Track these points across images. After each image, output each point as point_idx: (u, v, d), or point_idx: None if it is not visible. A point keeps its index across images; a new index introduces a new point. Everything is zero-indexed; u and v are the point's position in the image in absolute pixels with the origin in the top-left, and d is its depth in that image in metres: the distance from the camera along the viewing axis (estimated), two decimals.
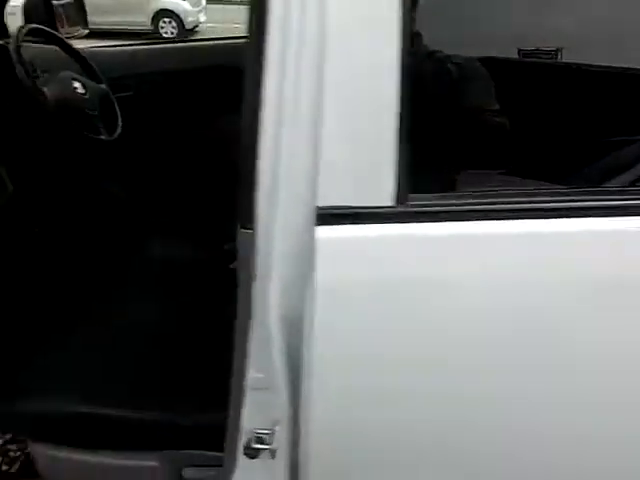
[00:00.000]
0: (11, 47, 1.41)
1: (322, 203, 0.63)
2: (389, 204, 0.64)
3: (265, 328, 0.70)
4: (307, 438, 0.72)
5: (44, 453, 1.11)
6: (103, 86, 1.70)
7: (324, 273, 0.64)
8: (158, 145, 1.94)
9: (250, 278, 0.70)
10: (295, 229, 0.65)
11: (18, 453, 1.44)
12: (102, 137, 1.61)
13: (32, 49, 1.53)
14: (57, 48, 1.66)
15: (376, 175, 0.63)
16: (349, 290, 0.66)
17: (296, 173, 0.63)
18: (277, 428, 0.82)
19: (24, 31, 1.47)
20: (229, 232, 1.67)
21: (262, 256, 0.67)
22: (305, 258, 0.64)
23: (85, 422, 1.09)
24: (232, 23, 9.96)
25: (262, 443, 0.85)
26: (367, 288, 0.66)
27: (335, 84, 0.61)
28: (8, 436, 1.48)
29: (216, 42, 2.23)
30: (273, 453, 0.83)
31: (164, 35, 9.45)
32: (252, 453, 0.91)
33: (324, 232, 0.63)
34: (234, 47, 2.09)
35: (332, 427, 0.72)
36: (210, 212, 1.78)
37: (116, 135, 1.66)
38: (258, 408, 0.86)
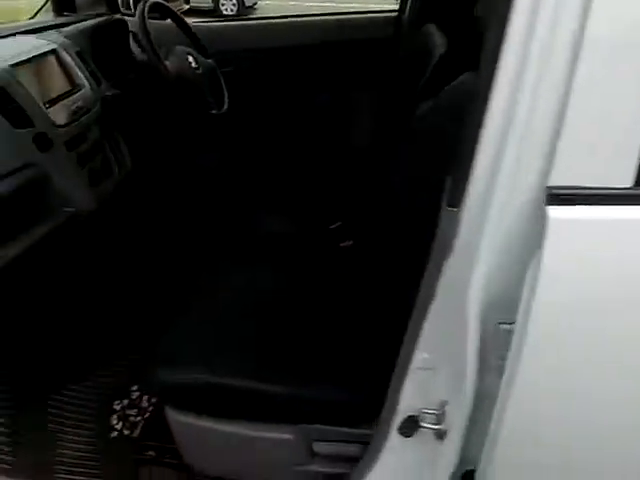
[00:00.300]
0: (137, 22, 1.43)
1: (554, 182, 0.60)
2: (627, 185, 0.60)
3: (458, 308, 0.68)
4: (500, 423, 0.70)
5: (180, 420, 1.14)
6: (211, 61, 1.71)
7: (551, 254, 0.60)
8: (258, 121, 1.94)
9: (443, 258, 0.67)
10: (519, 209, 0.62)
11: (138, 418, 1.49)
12: (213, 112, 1.62)
13: (150, 24, 1.54)
14: (170, 22, 1.67)
15: (617, 155, 0.59)
16: (577, 272, 0.62)
17: (529, 152, 0.60)
18: (447, 409, 0.80)
19: (148, 6, 1.48)
20: (332, 211, 1.66)
21: (467, 235, 0.64)
22: (528, 238, 0.62)
23: (219, 393, 1.11)
24: (288, 0, 9.93)
25: (426, 422, 0.84)
26: (597, 271, 0.62)
27: (588, 58, 0.56)
28: (126, 402, 1.53)
29: (310, 19, 2.17)
30: (441, 434, 0.82)
31: (224, 12, 9.47)
32: (408, 432, 0.90)
33: (555, 212, 0.60)
34: (331, 24, 2.05)
35: (532, 413, 0.69)
36: (311, 190, 1.77)
37: (224, 109, 1.67)
38: (421, 388, 0.84)
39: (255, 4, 10.03)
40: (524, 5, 0.56)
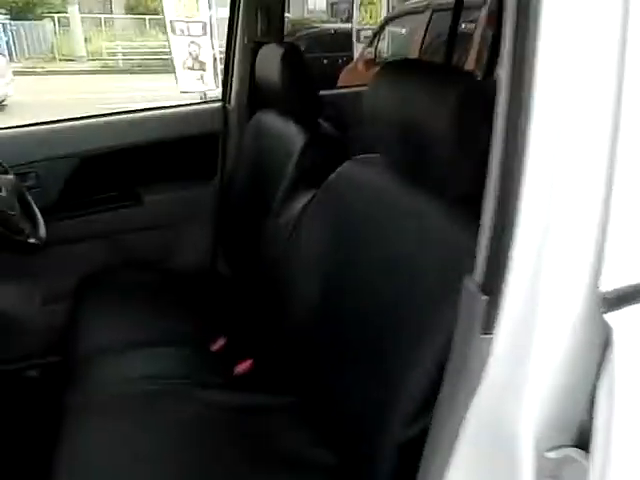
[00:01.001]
0: None
1: (606, 285, 0.51)
2: None
3: (498, 447, 0.55)
4: None
5: None
6: (13, 177, 1.37)
7: (620, 369, 0.51)
8: (83, 238, 1.62)
9: (473, 391, 0.54)
10: (567, 322, 0.51)
11: None
12: (30, 240, 1.28)
13: None
14: None
15: None
16: None
17: (572, 253, 0.50)
18: None
19: None
20: (210, 328, 1.39)
21: (508, 362, 0.52)
22: (587, 351, 0.51)
23: None
24: (43, 95, 9.17)
25: None
26: None
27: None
28: None
29: (127, 116, 1.85)
30: None
31: None
32: None
33: (614, 318, 0.50)
34: (150, 119, 1.79)
35: None
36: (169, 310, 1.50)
37: (42, 235, 1.33)
38: None
39: (3, 101, 9.04)
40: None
